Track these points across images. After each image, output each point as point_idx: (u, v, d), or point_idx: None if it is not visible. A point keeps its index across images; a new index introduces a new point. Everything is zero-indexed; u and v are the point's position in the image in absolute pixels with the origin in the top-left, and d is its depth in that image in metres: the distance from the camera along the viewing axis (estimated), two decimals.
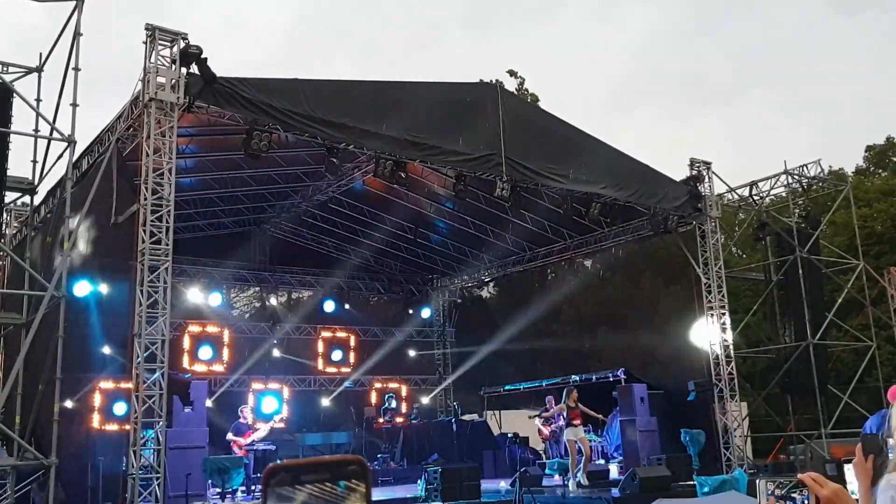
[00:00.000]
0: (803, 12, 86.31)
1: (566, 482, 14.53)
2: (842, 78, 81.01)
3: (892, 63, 77.55)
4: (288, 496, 0.72)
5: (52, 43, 12.25)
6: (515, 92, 33.88)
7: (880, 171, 36.46)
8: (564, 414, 14.76)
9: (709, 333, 16.55)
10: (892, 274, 21.29)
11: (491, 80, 19.11)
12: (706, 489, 12.50)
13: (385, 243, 20.62)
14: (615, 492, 13.51)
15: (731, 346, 16.66)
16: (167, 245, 10.80)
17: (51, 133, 11.80)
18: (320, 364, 21.26)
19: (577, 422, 14.35)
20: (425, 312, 23.40)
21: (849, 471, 2.61)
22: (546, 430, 17.71)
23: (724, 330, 16.54)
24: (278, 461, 0.78)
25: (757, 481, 2.00)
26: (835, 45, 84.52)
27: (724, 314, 16.65)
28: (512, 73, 35.03)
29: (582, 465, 14.32)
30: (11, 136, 11.60)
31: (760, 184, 19.06)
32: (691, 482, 13.62)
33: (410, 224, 19.63)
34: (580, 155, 15.24)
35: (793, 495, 1.94)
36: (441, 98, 14.11)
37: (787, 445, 18.99)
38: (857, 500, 2.52)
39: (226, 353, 19.37)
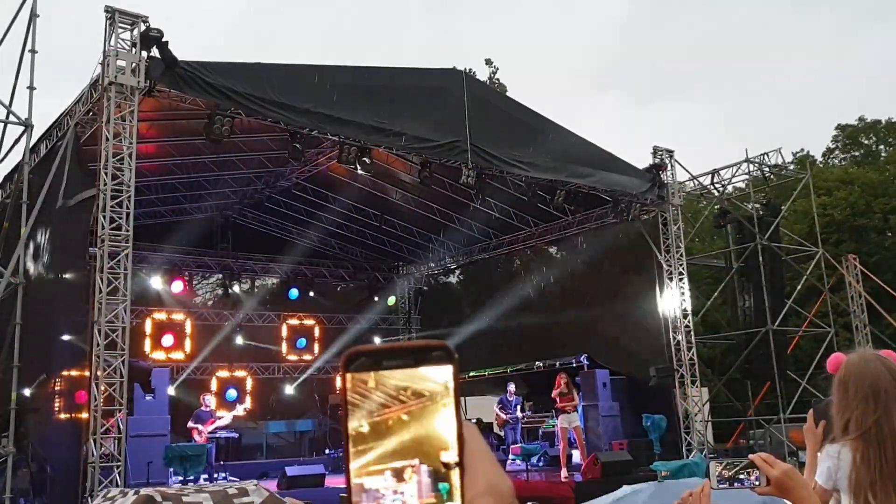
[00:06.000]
0: (760, 2, 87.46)
1: (528, 467, 14.60)
2: (797, 67, 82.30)
3: (845, 52, 78.88)
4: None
5: (6, 24, 12.01)
6: (488, 80, 33.90)
7: (850, 152, 36.92)
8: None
9: (670, 319, 16.74)
10: (849, 261, 21.72)
11: (455, 67, 18.88)
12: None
13: (350, 230, 20.57)
14: (577, 476, 13.62)
15: (692, 332, 16.87)
16: (127, 231, 10.66)
17: (7, 117, 11.59)
18: (284, 351, 21.19)
19: (569, 407, 13.73)
20: (391, 300, 23.39)
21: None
22: (503, 416, 17.80)
23: (685, 316, 16.75)
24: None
25: (709, 464, 2.02)
26: (790, 35, 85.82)
27: (684, 300, 16.85)
28: (488, 63, 35.06)
29: (563, 454, 13.75)
30: None
31: (722, 172, 19.31)
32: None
33: (375, 211, 19.57)
34: (545, 142, 15.28)
35: (741, 476, 1.97)
36: (406, 84, 14.02)
37: (747, 430, 19.32)
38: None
39: (188, 340, 19.23)
